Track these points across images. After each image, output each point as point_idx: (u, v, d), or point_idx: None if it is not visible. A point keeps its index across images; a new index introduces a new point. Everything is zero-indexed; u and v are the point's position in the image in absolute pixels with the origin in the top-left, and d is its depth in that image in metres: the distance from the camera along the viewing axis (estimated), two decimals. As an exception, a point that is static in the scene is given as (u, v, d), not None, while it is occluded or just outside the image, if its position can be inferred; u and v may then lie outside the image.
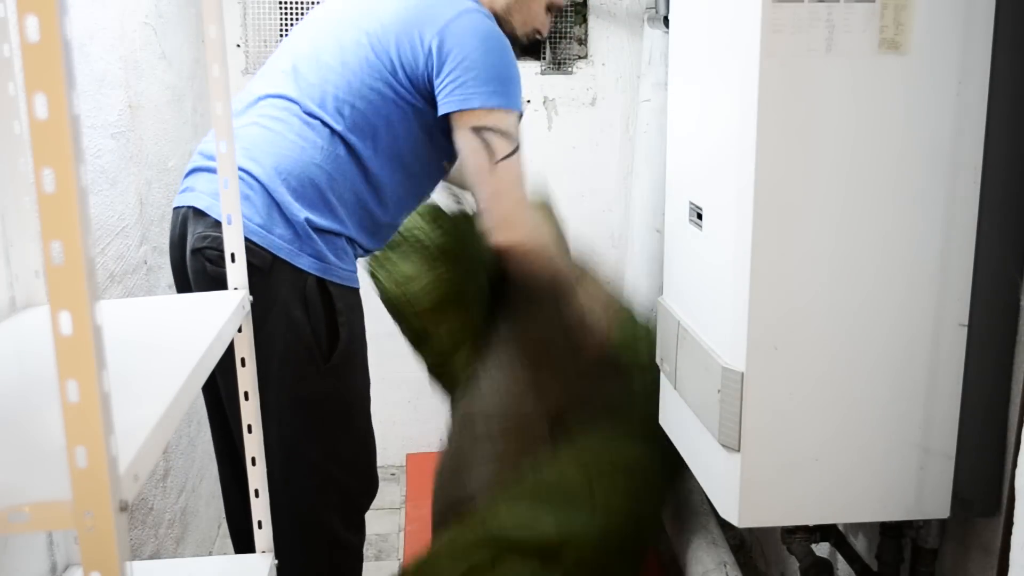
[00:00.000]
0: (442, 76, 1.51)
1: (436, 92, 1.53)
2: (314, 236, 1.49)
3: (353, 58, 1.54)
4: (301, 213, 1.48)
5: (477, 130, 1.52)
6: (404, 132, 1.57)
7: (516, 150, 1.56)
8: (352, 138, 1.52)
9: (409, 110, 1.56)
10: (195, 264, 1.51)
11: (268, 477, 1.40)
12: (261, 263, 1.44)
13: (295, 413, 1.51)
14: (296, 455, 1.53)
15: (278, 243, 1.47)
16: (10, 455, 0.77)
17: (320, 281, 1.48)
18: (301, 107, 1.53)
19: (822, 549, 1.71)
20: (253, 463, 1.31)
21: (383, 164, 1.56)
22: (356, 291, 1.56)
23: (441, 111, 1.53)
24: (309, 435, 1.54)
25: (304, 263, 1.47)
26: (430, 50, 1.51)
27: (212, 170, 1.52)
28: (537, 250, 1.65)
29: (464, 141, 1.54)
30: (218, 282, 1.44)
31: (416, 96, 1.55)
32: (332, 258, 1.51)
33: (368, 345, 1.76)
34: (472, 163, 1.55)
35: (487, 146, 1.53)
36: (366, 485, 1.68)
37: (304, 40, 1.61)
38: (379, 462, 2.79)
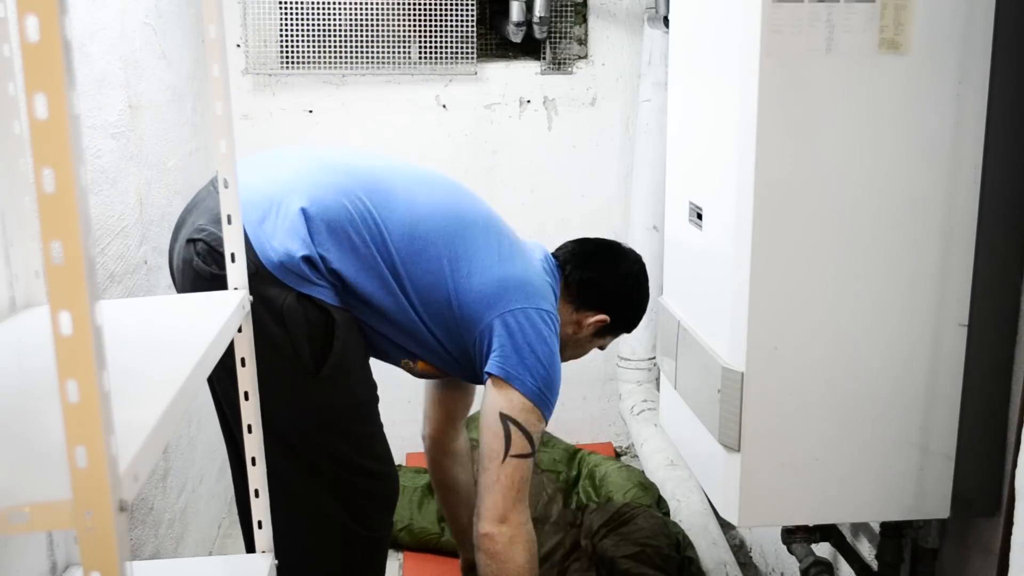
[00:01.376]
0: (498, 347, 1.53)
1: (483, 355, 1.55)
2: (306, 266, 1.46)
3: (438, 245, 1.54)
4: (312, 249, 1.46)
5: (504, 418, 1.52)
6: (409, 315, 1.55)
7: (530, 455, 1.55)
8: (396, 259, 1.52)
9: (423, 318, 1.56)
10: (185, 253, 1.49)
11: (275, 478, 1.37)
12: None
13: (291, 423, 1.49)
14: (298, 459, 1.52)
15: (271, 255, 1.44)
16: (10, 455, 0.77)
17: (302, 297, 1.44)
18: (370, 205, 1.51)
19: (822, 549, 1.71)
20: (253, 463, 1.31)
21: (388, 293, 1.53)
22: (345, 309, 1.52)
23: (488, 368, 1.53)
24: (309, 442, 1.52)
25: (291, 280, 1.44)
26: (497, 327, 1.54)
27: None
28: (504, 554, 1.55)
29: (488, 421, 1.54)
30: (201, 278, 1.44)
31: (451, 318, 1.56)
32: (315, 279, 1.48)
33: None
34: (486, 445, 1.55)
35: (507, 438, 1.52)
36: (379, 484, 1.62)
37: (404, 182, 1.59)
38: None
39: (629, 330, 1.79)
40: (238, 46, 2.69)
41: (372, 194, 1.51)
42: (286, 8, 2.65)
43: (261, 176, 1.53)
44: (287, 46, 2.68)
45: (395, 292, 1.52)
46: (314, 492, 1.55)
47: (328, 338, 1.47)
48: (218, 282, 1.35)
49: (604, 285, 1.70)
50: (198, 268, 1.45)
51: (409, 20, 2.69)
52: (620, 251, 1.77)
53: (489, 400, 1.55)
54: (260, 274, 1.41)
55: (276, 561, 1.32)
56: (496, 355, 1.53)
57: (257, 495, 1.32)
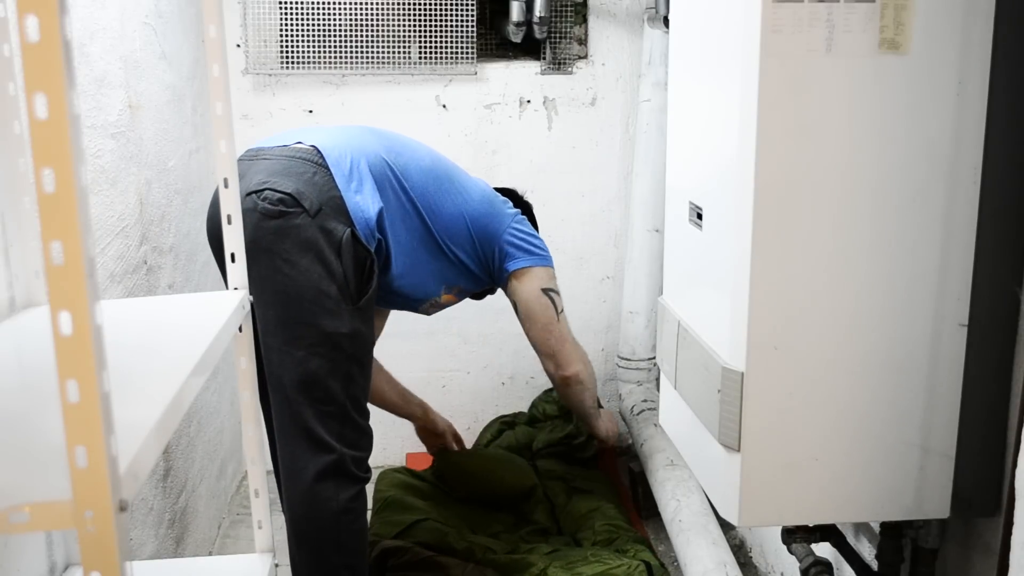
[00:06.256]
0: (515, 251, 2.04)
1: (502, 261, 2.04)
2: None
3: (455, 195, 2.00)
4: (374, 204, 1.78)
5: (546, 291, 2.07)
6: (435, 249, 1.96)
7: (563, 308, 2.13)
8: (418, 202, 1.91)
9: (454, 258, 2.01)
10: (245, 205, 1.64)
11: (288, 403, 1.73)
12: (309, 206, 1.69)
13: (324, 343, 1.73)
14: (318, 383, 1.74)
15: (354, 197, 1.74)
16: (10, 455, 0.77)
17: (353, 235, 1.72)
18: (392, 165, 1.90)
19: (822, 549, 1.71)
20: (252, 463, 1.31)
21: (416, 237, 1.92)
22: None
23: (517, 266, 2.04)
24: (333, 365, 1.75)
25: (360, 222, 1.73)
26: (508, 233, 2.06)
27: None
28: (587, 381, 2.23)
29: (535, 298, 2.06)
30: (268, 218, 1.68)
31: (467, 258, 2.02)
32: (375, 228, 1.78)
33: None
34: (543, 316, 2.08)
35: (553, 304, 2.08)
36: (368, 427, 1.86)
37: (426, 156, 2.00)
38: (379, 462, 2.78)
39: None
40: (238, 46, 2.69)
41: (394, 154, 1.89)
42: (286, 8, 2.65)
43: (327, 133, 1.88)
44: (287, 46, 2.68)
45: (427, 227, 1.91)
46: (321, 414, 1.75)
47: (368, 275, 1.76)
48: (283, 219, 1.68)
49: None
50: (264, 211, 1.68)
51: (409, 20, 2.69)
52: (517, 195, 2.29)
53: (527, 287, 2.06)
54: (324, 210, 1.70)
55: (276, 562, 1.32)
56: (515, 256, 2.04)
57: (257, 495, 1.32)
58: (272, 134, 2.02)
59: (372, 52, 2.69)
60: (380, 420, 2.93)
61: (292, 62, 2.69)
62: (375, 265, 1.77)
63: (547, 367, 2.17)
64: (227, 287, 1.28)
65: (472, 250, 2.01)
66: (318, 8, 2.64)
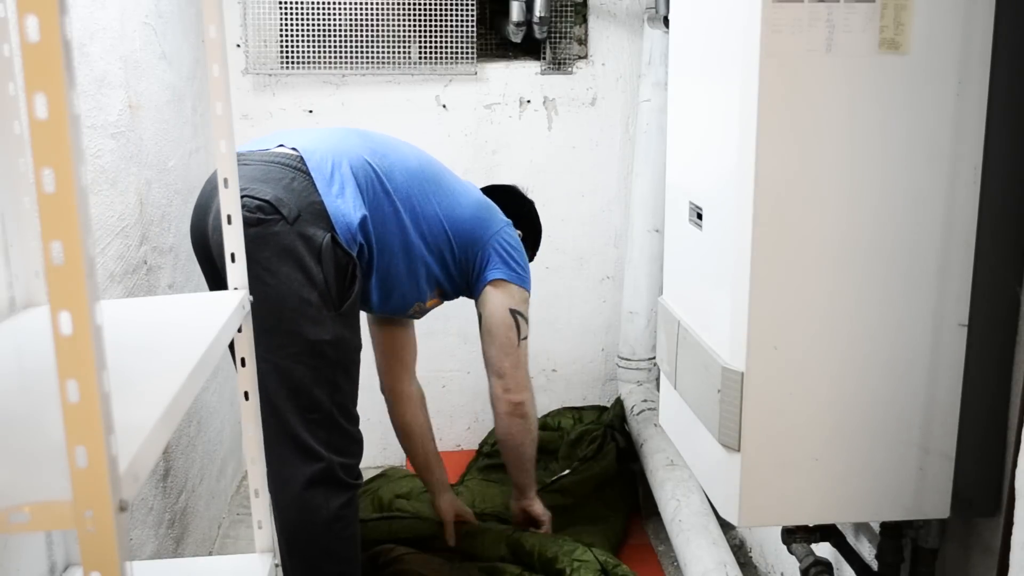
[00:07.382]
0: (497, 260, 2.00)
1: (482, 268, 1.99)
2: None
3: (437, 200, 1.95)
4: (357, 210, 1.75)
5: (513, 312, 2.02)
6: (416, 257, 1.92)
7: (527, 336, 2.07)
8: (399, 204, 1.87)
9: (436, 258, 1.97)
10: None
11: (274, 412, 1.70)
12: (288, 213, 1.67)
13: (307, 351, 1.71)
14: (303, 391, 1.73)
15: (337, 203, 1.72)
16: (10, 455, 0.77)
17: (334, 240, 1.70)
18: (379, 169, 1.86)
19: (822, 549, 1.71)
20: (252, 463, 1.31)
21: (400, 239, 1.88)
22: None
23: (493, 276, 1.99)
24: (317, 373, 1.73)
25: (341, 227, 1.71)
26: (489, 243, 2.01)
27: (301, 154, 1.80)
28: (531, 417, 2.16)
29: (501, 316, 2.01)
30: (246, 225, 1.62)
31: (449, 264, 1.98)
32: (358, 233, 1.75)
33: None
34: (503, 336, 2.02)
35: (518, 327, 2.03)
36: (358, 434, 1.85)
37: (413, 158, 1.97)
38: (379, 462, 2.79)
39: (535, 248, 2.29)
40: (238, 46, 2.69)
41: (378, 156, 1.86)
42: (286, 8, 2.65)
43: (308, 136, 1.85)
44: (287, 46, 2.68)
45: (409, 230, 1.87)
46: (308, 433, 1.74)
47: (350, 280, 1.73)
48: (262, 227, 1.64)
49: (513, 210, 2.16)
50: (243, 218, 1.65)
51: (409, 20, 2.69)
52: (518, 191, 2.27)
53: (496, 301, 2.00)
54: (304, 217, 1.68)
55: (277, 562, 1.32)
56: (495, 266, 1.99)
57: (257, 495, 1.32)
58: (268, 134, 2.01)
59: (372, 52, 2.69)
60: (380, 420, 2.94)
61: (292, 62, 2.69)
62: (357, 270, 1.74)
63: (495, 388, 2.08)
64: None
65: (452, 253, 1.97)
66: (318, 8, 2.64)
